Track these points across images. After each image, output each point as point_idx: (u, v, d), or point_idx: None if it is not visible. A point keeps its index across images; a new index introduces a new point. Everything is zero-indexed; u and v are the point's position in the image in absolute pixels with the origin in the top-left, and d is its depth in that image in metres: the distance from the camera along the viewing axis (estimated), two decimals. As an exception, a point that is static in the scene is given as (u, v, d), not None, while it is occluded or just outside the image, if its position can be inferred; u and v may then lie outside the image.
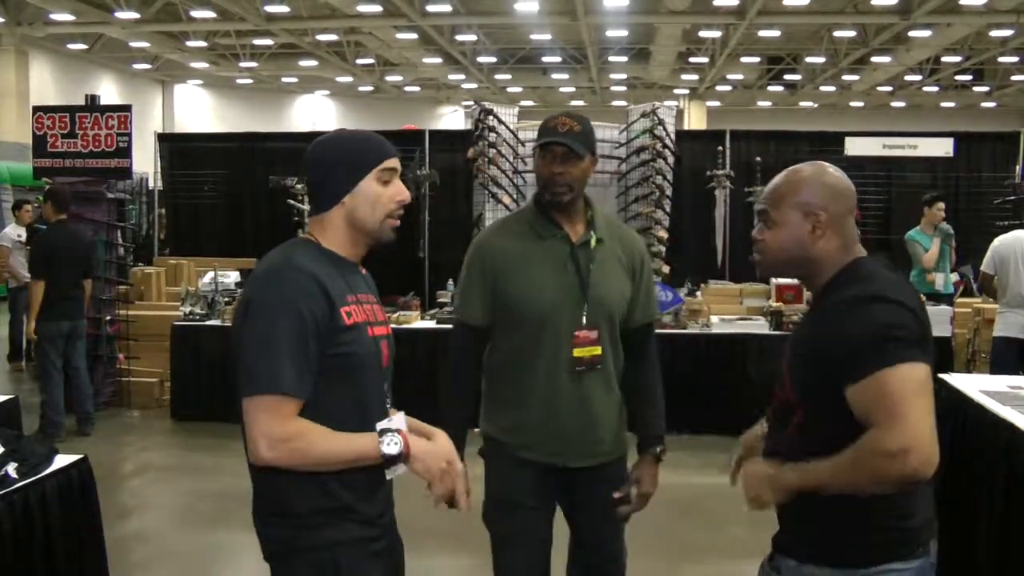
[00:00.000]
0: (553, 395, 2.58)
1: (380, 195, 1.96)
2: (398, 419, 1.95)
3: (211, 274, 7.79)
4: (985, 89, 26.94)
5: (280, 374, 1.82)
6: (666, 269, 8.94)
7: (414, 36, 20.60)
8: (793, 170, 2.03)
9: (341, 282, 1.93)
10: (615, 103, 28.54)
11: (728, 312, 7.41)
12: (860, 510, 1.83)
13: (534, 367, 2.58)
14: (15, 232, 9.45)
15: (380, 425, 1.90)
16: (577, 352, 2.56)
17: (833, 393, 1.80)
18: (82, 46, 22.43)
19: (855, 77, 24.89)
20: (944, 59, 23.04)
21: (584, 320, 2.56)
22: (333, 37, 21.44)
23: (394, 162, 2.00)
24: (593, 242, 2.60)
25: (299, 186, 9.57)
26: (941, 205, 7.70)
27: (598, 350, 2.58)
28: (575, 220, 2.62)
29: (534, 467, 2.62)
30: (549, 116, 2.63)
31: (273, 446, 1.83)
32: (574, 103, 30.33)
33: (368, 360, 1.95)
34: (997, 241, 6.18)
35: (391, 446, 1.86)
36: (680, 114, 25.46)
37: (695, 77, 25.04)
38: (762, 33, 20.21)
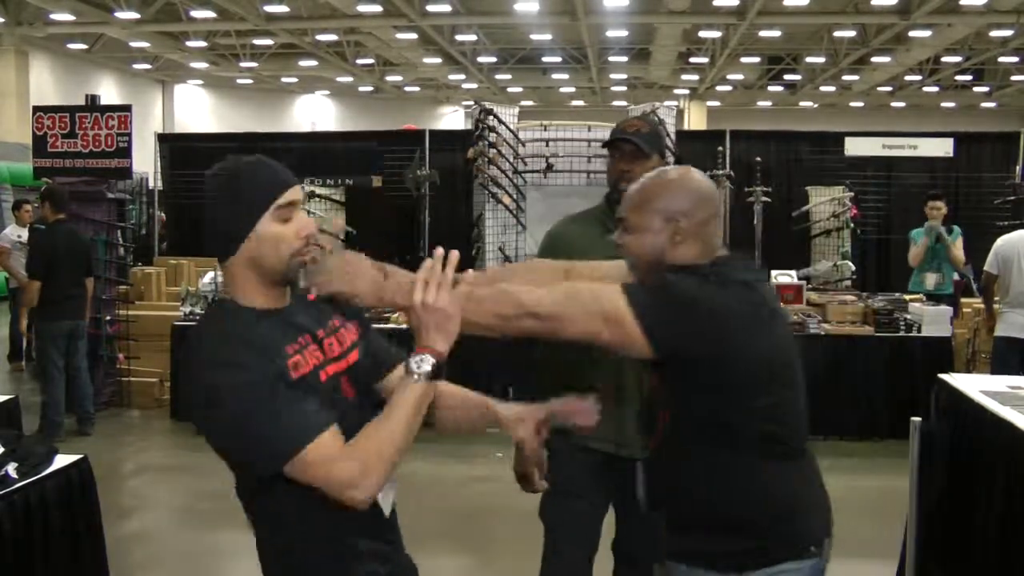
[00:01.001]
0: (616, 387, 2.64)
1: (282, 236, 1.72)
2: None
3: (211, 274, 7.79)
4: (985, 89, 26.93)
5: (297, 418, 1.63)
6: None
7: (414, 36, 20.60)
8: (658, 174, 2.04)
9: (275, 333, 1.72)
10: (615, 103, 28.53)
11: (728, 312, 7.38)
12: (743, 514, 1.88)
13: (596, 359, 2.56)
14: (15, 232, 9.44)
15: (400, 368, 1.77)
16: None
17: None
18: (82, 46, 22.42)
19: (855, 77, 24.88)
20: (944, 59, 23.03)
21: None
22: (333, 37, 21.44)
23: (292, 194, 1.74)
24: None
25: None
26: (934, 203, 7.61)
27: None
28: None
29: (595, 456, 2.69)
30: (621, 120, 2.80)
31: (362, 486, 1.63)
32: (574, 103, 30.34)
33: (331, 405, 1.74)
34: (1000, 241, 6.16)
35: (423, 365, 1.66)
36: (680, 114, 25.47)
37: (695, 77, 25.03)
38: (762, 33, 20.20)
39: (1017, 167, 10.19)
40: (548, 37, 20.99)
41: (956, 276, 7.91)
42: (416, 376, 1.66)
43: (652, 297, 1.86)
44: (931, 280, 7.54)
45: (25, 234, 9.20)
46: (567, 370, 2.67)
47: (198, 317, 7.49)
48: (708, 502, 1.90)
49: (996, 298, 6.20)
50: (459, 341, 1.70)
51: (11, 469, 2.93)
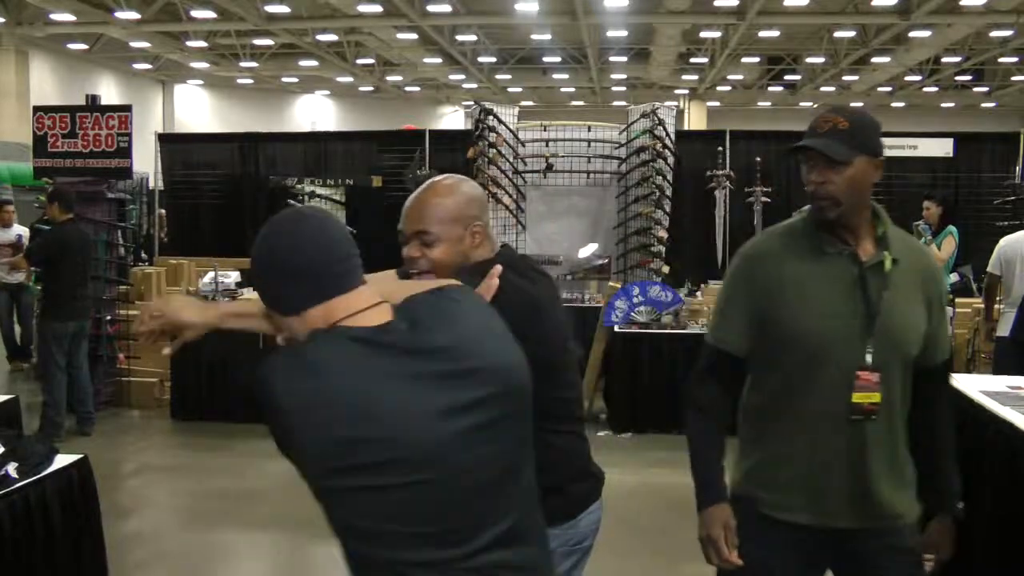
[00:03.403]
0: (823, 446, 2.14)
1: None
2: None
3: (211, 274, 7.80)
4: (985, 89, 26.93)
5: None
6: (666, 269, 8.96)
7: (414, 36, 20.60)
8: (437, 187, 2.10)
9: None
10: (615, 103, 28.53)
11: (728, 312, 7.38)
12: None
13: (802, 411, 2.15)
14: None
15: None
16: (857, 397, 2.11)
17: None
18: (82, 46, 22.42)
19: (855, 77, 24.88)
20: (944, 59, 23.03)
21: (869, 358, 2.10)
22: (333, 37, 21.43)
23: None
24: (888, 264, 2.13)
25: (299, 186, 9.60)
26: (926, 204, 7.60)
27: (877, 396, 2.11)
28: (861, 235, 2.16)
29: (791, 529, 2.18)
30: (818, 111, 2.25)
31: None
32: (574, 103, 30.34)
33: None
34: (1003, 241, 6.14)
35: None
36: (680, 114, 25.47)
37: (695, 77, 25.03)
38: (762, 33, 20.20)
39: (1017, 167, 10.19)
40: (548, 37, 20.98)
41: (955, 277, 7.90)
42: None
43: None
44: None
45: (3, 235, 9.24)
46: (760, 424, 2.26)
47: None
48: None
49: (998, 298, 6.19)
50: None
51: (11, 469, 2.93)
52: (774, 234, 2.30)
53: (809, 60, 23.74)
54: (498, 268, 1.91)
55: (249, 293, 7.56)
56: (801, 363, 2.14)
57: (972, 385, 3.85)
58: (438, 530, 1.44)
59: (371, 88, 28.09)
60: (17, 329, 9.54)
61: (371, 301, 1.50)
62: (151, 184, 13.11)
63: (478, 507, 1.47)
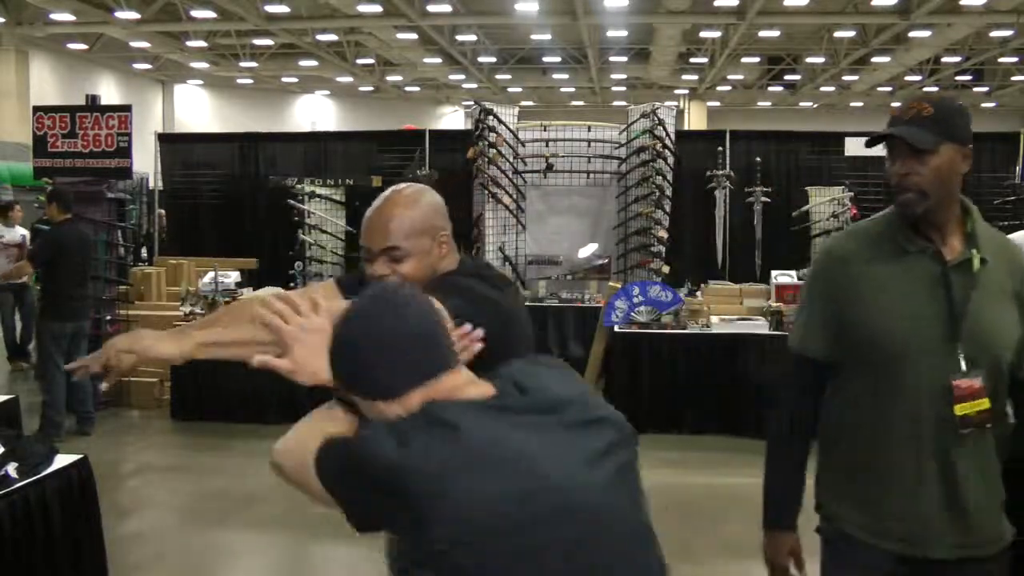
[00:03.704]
0: (914, 463, 1.97)
1: None
2: None
3: (211, 274, 7.80)
4: (985, 89, 26.93)
5: None
6: (666, 269, 8.96)
7: (414, 36, 20.60)
8: (398, 200, 2.00)
9: None
10: (615, 103, 28.52)
11: (728, 312, 7.41)
12: None
13: (888, 423, 1.99)
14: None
15: None
16: (961, 408, 1.93)
17: None
18: (82, 46, 22.42)
19: (855, 77, 24.89)
20: (944, 59, 23.04)
21: (962, 364, 1.94)
22: (333, 37, 21.43)
23: None
24: (976, 263, 1.98)
25: (299, 186, 9.60)
26: None
27: (986, 403, 1.93)
28: (948, 232, 2.01)
29: (881, 557, 2.01)
30: (906, 98, 2.11)
31: None
32: (574, 103, 30.35)
33: None
34: None
35: None
36: (680, 114, 25.47)
37: (695, 77, 25.03)
38: (762, 33, 20.20)
39: (1017, 167, 10.18)
40: (548, 37, 20.98)
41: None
42: None
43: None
44: None
45: (7, 234, 9.25)
46: (845, 436, 2.08)
47: (198, 316, 7.55)
48: None
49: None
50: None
51: (11, 469, 2.94)
52: (854, 232, 2.17)
53: (809, 60, 23.74)
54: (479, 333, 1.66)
55: (249, 293, 7.55)
56: (882, 369, 1.99)
57: (972, 385, 3.83)
58: None
59: (371, 88, 28.09)
60: (19, 328, 9.55)
61: (471, 378, 1.44)
62: (151, 184, 13.11)
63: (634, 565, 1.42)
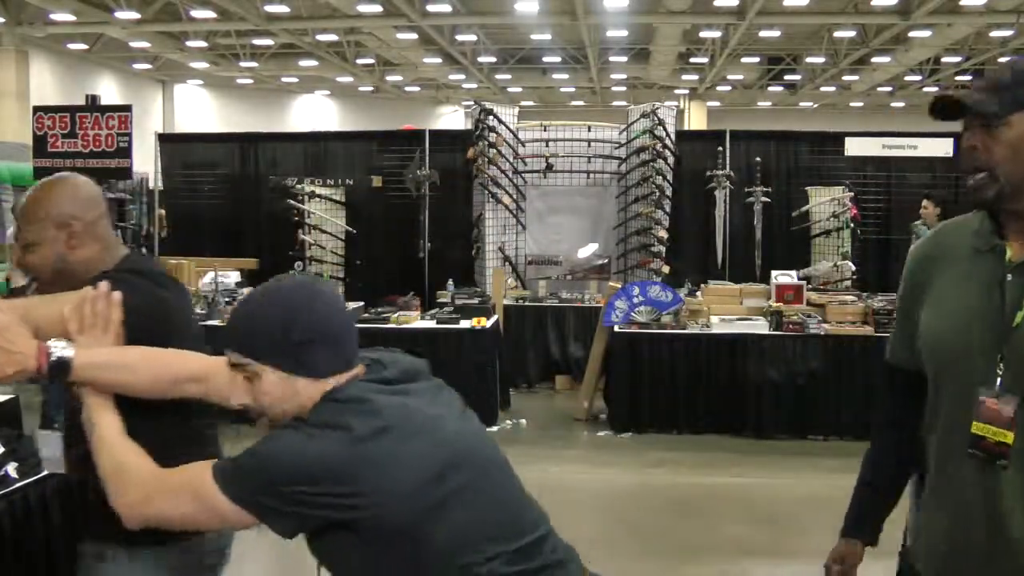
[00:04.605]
0: (956, 486, 1.68)
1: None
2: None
3: (211, 274, 7.80)
4: (985, 89, 26.92)
5: None
6: (666, 269, 8.97)
7: (414, 36, 20.60)
8: (41, 186, 2.04)
9: None
10: (615, 103, 28.53)
11: (728, 312, 7.42)
12: None
13: (939, 443, 1.73)
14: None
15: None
16: (978, 428, 1.62)
17: None
18: (82, 46, 22.43)
19: (855, 77, 24.89)
20: (944, 59, 23.05)
21: (999, 380, 1.61)
22: (333, 37, 21.44)
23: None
24: None
25: (299, 186, 9.60)
26: (924, 203, 7.61)
27: (1008, 436, 1.59)
28: None
29: None
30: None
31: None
32: (574, 103, 30.36)
33: None
34: None
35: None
36: (680, 114, 25.48)
37: (695, 77, 25.04)
38: (762, 33, 20.21)
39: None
40: (548, 37, 20.99)
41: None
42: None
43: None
44: None
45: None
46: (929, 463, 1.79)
47: (198, 316, 7.55)
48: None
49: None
50: None
51: (11, 469, 2.93)
52: (941, 230, 1.87)
53: (809, 60, 23.75)
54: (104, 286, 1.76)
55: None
56: (936, 379, 1.74)
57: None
58: (515, 526, 1.59)
59: (371, 88, 28.10)
60: None
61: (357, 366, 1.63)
62: (151, 184, 13.12)
63: (525, 499, 1.65)
